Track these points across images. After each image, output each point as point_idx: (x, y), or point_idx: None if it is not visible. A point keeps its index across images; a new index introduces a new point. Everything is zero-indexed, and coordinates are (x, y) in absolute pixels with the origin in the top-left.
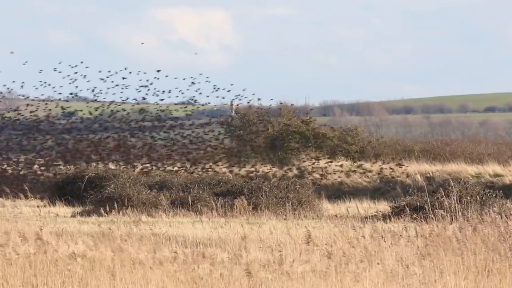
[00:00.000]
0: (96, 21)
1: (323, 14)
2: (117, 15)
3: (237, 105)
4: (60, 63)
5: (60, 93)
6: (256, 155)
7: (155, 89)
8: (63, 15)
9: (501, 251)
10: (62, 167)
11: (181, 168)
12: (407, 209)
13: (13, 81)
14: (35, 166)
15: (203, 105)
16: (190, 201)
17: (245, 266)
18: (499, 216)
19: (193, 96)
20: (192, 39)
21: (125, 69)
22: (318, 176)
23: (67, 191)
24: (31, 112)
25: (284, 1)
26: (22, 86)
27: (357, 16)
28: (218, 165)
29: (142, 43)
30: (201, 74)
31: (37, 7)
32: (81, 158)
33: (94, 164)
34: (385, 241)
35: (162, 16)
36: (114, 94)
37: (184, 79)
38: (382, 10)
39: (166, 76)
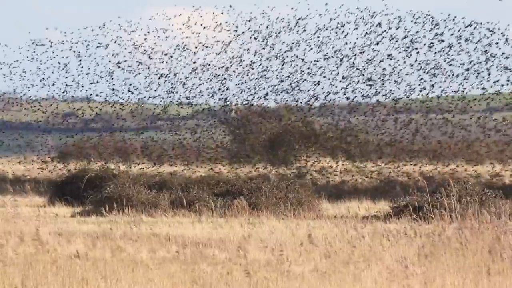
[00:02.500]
0: (93, 22)
1: (320, 14)
2: (114, 15)
3: (237, 104)
4: (61, 63)
5: (59, 94)
6: (256, 155)
7: (153, 89)
8: (60, 16)
9: (500, 251)
10: (62, 166)
11: (182, 168)
12: (407, 209)
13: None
14: (35, 165)
15: (202, 105)
16: (189, 201)
17: (245, 266)
18: (498, 216)
19: (193, 96)
20: (189, 39)
21: (122, 69)
22: (318, 176)
23: (67, 191)
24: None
25: (283, 1)
26: (22, 87)
27: (354, 16)
28: (218, 165)
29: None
30: (199, 74)
31: (35, 7)
32: (80, 158)
33: (94, 163)
34: (388, 240)
35: (159, 16)
36: (112, 94)
37: (181, 79)
38: (379, 11)
39: (160, 76)
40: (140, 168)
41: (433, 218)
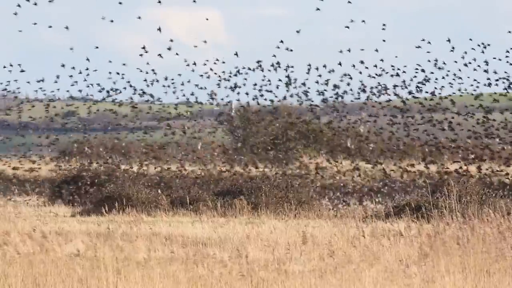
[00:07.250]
0: (88, 21)
1: (314, 14)
2: (109, 15)
3: (237, 103)
4: (63, 65)
5: (60, 93)
6: (256, 155)
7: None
8: (57, 16)
9: (500, 251)
10: (62, 166)
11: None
12: (407, 209)
13: (10, 81)
14: (35, 165)
15: (201, 104)
16: (189, 201)
17: (245, 266)
18: (498, 215)
19: (191, 95)
20: (185, 39)
21: (116, 71)
22: (318, 175)
23: (67, 191)
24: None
25: (276, 1)
26: (19, 87)
27: (349, 16)
28: (218, 165)
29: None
30: (193, 71)
31: (32, 7)
32: (80, 157)
33: (94, 163)
34: (389, 239)
35: (154, 16)
36: (111, 94)
37: (180, 80)
38: (375, 10)
39: (163, 79)
40: (140, 168)
41: (433, 218)
